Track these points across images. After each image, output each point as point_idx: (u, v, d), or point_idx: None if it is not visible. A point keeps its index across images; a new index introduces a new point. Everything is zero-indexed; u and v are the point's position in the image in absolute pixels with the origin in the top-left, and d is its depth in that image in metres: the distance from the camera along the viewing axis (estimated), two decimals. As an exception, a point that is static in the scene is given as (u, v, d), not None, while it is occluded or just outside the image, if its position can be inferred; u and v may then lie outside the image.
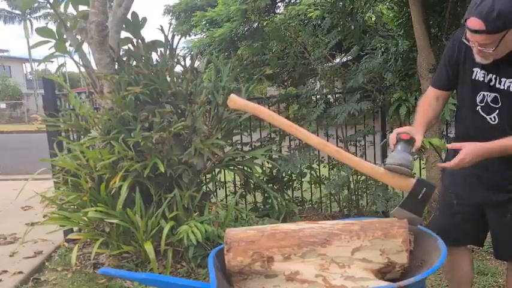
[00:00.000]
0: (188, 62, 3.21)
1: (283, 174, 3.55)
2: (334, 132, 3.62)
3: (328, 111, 3.30)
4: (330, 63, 3.68)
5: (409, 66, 3.45)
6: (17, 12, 29.73)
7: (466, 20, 1.43)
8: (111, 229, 2.80)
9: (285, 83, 4.62)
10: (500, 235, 1.70)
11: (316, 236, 1.47)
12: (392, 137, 1.56)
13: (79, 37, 3.19)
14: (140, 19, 3.27)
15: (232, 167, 3.26)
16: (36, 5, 3.55)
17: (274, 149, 3.49)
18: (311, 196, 3.91)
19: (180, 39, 4.49)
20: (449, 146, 1.64)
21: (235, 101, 1.64)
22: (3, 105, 24.79)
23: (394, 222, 1.50)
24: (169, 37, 3.22)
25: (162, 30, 3.21)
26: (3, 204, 4.55)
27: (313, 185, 3.87)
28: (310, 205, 3.92)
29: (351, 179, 3.46)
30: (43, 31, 3.19)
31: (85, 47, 3.22)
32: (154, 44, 3.25)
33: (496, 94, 1.56)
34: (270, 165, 3.45)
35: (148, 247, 2.65)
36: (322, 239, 1.47)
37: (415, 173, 3.50)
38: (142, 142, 2.74)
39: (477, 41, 1.45)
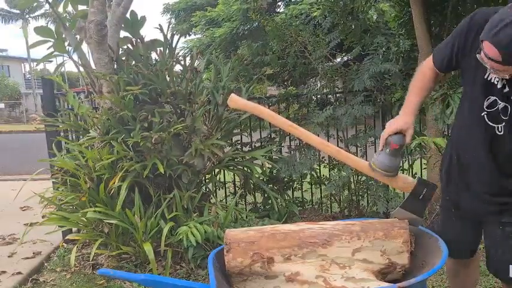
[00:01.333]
0: (188, 61, 3.20)
1: (283, 175, 3.54)
2: (334, 132, 3.60)
3: (332, 114, 3.28)
4: (331, 63, 3.67)
5: (410, 66, 3.44)
6: (16, 11, 29.71)
7: (482, 41, 1.29)
8: (110, 230, 2.79)
9: (286, 83, 4.61)
10: (491, 250, 1.56)
11: (317, 237, 1.47)
12: (382, 138, 1.51)
13: (78, 36, 3.18)
14: (139, 18, 3.26)
15: (232, 168, 3.25)
16: (35, 4, 3.53)
17: (274, 150, 3.48)
18: (311, 197, 3.90)
19: (179, 38, 4.48)
20: None
21: (236, 100, 1.63)
22: (1, 105, 24.78)
23: (394, 223, 1.49)
24: (169, 36, 3.21)
25: (161, 29, 3.20)
26: (2, 205, 4.54)
27: (313, 186, 3.86)
28: (311, 206, 3.91)
29: (351, 180, 3.45)
30: (42, 30, 3.18)
31: (84, 47, 3.21)
32: (154, 44, 3.24)
33: (506, 104, 1.40)
34: (270, 166, 3.43)
35: (148, 248, 2.64)
36: (322, 239, 1.46)
37: (416, 173, 3.52)
38: (141, 142, 2.73)
39: (491, 66, 1.32)
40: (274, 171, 3.52)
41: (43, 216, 3.12)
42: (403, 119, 1.52)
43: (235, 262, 1.44)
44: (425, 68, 1.62)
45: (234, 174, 3.58)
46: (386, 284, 1.38)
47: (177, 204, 2.80)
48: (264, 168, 3.28)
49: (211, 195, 3.28)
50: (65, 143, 3.29)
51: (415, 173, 3.54)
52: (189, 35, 9.00)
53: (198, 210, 2.95)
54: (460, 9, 3.49)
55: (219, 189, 3.74)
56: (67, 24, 3.21)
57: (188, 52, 6.85)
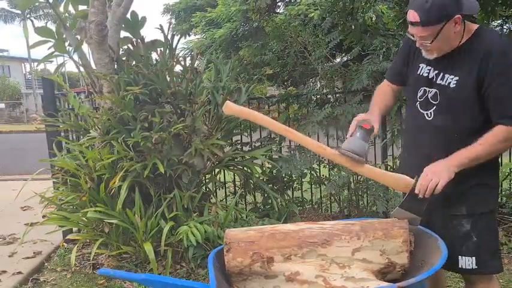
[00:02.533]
0: (188, 62, 3.20)
1: (283, 175, 3.54)
2: (334, 132, 3.61)
3: (331, 112, 3.28)
4: (331, 63, 3.67)
5: (410, 66, 3.43)
6: (17, 11, 29.72)
7: (407, 13, 1.44)
8: (111, 229, 2.80)
9: (285, 83, 4.61)
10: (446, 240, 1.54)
11: (317, 237, 1.47)
12: (352, 125, 1.58)
13: (78, 37, 3.18)
14: (140, 18, 3.27)
15: (232, 167, 3.25)
16: (36, 4, 3.53)
17: (274, 149, 3.48)
18: (311, 196, 3.90)
19: (179, 38, 4.48)
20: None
21: (231, 107, 1.64)
22: (2, 105, 24.78)
23: (394, 223, 1.49)
24: (169, 36, 3.21)
25: (161, 29, 3.20)
26: (2, 205, 4.54)
27: (313, 185, 3.86)
28: (311, 205, 3.91)
29: (351, 179, 3.45)
30: (42, 31, 3.18)
31: (84, 47, 3.22)
32: (154, 44, 3.24)
33: (436, 90, 1.54)
34: (270, 166, 3.44)
35: (148, 247, 2.65)
36: (322, 239, 1.46)
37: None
38: (141, 142, 2.73)
39: (415, 33, 1.45)
40: (274, 171, 3.52)
41: (43, 216, 3.13)
42: (369, 114, 1.65)
43: (235, 262, 1.45)
44: (382, 84, 1.81)
45: (234, 174, 3.58)
46: (386, 284, 1.39)
47: (177, 204, 2.80)
48: (264, 168, 3.28)
49: (211, 195, 3.29)
50: (66, 143, 3.30)
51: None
52: (189, 36, 9.00)
53: (198, 210, 2.96)
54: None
55: (219, 189, 3.74)
56: (67, 25, 3.22)
57: (188, 53, 6.86)
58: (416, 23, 1.40)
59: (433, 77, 1.55)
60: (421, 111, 1.58)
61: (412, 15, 1.41)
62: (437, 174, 1.43)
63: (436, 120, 1.54)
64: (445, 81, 1.51)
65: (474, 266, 1.53)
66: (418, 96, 1.59)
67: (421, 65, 1.59)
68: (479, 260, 1.51)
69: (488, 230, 1.58)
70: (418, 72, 1.60)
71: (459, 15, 1.40)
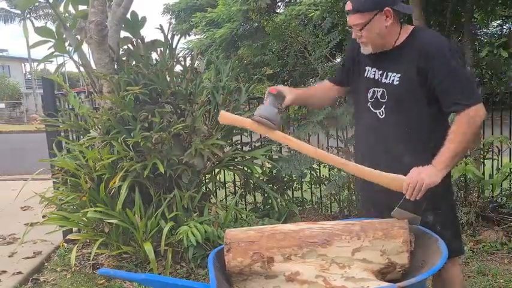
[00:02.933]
0: (188, 62, 3.20)
1: (284, 175, 3.54)
2: (334, 132, 3.61)
3: (331, 112, 3.28)
4: (331, 63, 3.68)
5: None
6: (16, 11, 29.72)
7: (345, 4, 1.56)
8: (111, 229, 2.79)
9: (285, 83, 4.61)
10: None
11: (317, 237, 1.47)
12: (265, 94, 1.66)
13: (78, 37, 3.18)
14: (140, 18, 3.27)
15: (232, 167, 3.25)
16: (36, 4, 3.53)
17: (274, 149, 3.48)
18: (311, 196, 3.90)
19: (179, 38, 4.48)
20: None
21: (225, 116, 1.65)
22: (2, 105, 24.78)
23: (394, 223, 1.49)
24: (169, 36, 3.21)
25: (161, 29, 3.20)
26: (2, 205, 4.54)
27: (313, 186, 3.86)
28: (311, 205, 3.91)
29: (351, 179, 3.45)
30: (42, 31, 3.18)
31: (84, 47, 3.22)
32: (154, 44, 3.24)
33: (383, 89, 1.61)
34: (270, 166, 3.44)
35: (148, 247, 2.65)
36: (322, 239, 1.46)
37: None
38: (141, 142, 2.73)
39: (350, 23, 1.56)
40: (274, 171, 3.52)
41: (43, 216, 3.13)
42: (287, 88, 1.71)
43: (235, 262, 1.45)
44: (324, 82, 1.93)
45: (234, 174, 3.58)
46: (386, 284, 1.39)
47: (177, 204, 2.80)
48: (264, 168, 3.28)
49: (211, 195, 3.29)
50: (66, 143, 3.30)
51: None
52: (189, 36, 9.01)
53: (198, 210, 2.96)
54: (460, 9, 3.49)
55: (219, 189, 3.74)
56: (67, 25, 3.22)
57: (188, 53, 6.86)
58: (350, 10, 1.53)
59: (378, 78, 1.63)
60: (374, 111, 1.65)
61: (348, 5, 1.54)
62: (422, 176, 1.46)
63: (388, 118, 1.61)
64: (389, 79, 1.59)
65: None
66: (369, 98, 1.66)
67: (367, 68, 1.68)
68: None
69: (449, 219, 1.68)
70: (365, 75, 1.68)
71: (389, 9, 1.50)
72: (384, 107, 1.62)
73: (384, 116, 1.62)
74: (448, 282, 1.73)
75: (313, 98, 1.86)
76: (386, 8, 1.50)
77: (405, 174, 1.49)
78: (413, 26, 1.61)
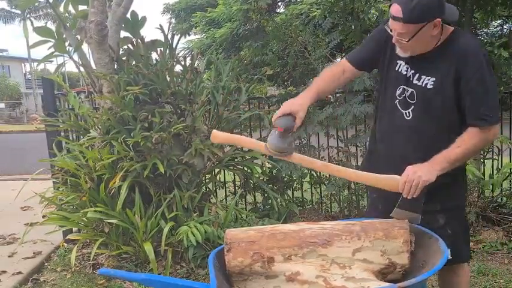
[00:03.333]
0: (188, 61, 3.20)
1: (284, 175, 3.54)
2: (334, 132, 3.61)
3: (332, 113, 3.28)
4: (331, 63, 3.67)
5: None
6: (16, 11, 29.72)
7: (390, 7, 1.45)
8: (111, 229, 2.79)
9: (286, 83, 4.61)
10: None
11: (317, 237, 1.47)
12: (273, 119, 1.53)
13: (78, 37, 3.18)
14: (140, 18, 3.26)
15: (232, 167, 3.25)
16: (36, 4, 3.54)
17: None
18: (311, 196, 3.90)
19: (179, 38, 4.47)
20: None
21: (217, 135, 1.62)
22: (2, 105, 24.78)
23: (395, 223, 1.49)
24: (169, 36, 3.21)
25: (161, 29, 3.20)
26: (2, 205, 4.54)
27: (313, 186, 3.86)
28: (311, 205, 3.91)
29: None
30: (42, 31, 3.18)
31: (84, 47, 3.21)
32: (154, 44, 3.24)
33: (413, 90, 1.55)
34: (270, 166, 3.43)
35: (148, 247, 2.64)
36: (322, 239, 1.46)
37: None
38: (141, 142, 2.73)
39: (395, 28, 1.45)
40: (274, 171, 3.52)
41: (43, 216, 3.13)
42: (298, 101, 1.55)
43: (235, 262, 1.44)
44: (341, 63, 1.73)
45: (234, 174, 3.58)
46: (387, 284, 1.38)
47: (177, 204, 2.80)
48: (264, 168, 3.28)
49: (211, 195, 3.28)
50: (66, 143, 3.30)
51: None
52: (189, 35, 9.01)
53: (198, 210, 2.95)
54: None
55: (219, 189, 3.74)
56: (67, 25, 3.22)
57: (189, 53, 6.86)
58: (399, 18, 1.41)
59: (410, 76, 1.55)
60: (401, 110, 1.58)
61: (396, 9, 1.41)
62: (418, 174, 1.43)
63: (414, 121, 1.56)
64: (422, 82, 1.53)
65: (450, 257, 1.52)
66: (397, 94, 1.59)
67: (399, 62, 1.59)
68: (455, 251, 1.52)
69: (460, 223, 1.67)
70: (397, 69, 1.59)
71: (439, 19, 1.43)
72: (411, 108, 1.55)
73: (410, 117, 1.56)
74: (457, 286, 1.75)
75: (331, 90, 1.76)
76: (438, 20, 1.42)
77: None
78: (453, 28, 1.53)
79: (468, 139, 1.47)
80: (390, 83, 1.62)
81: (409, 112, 1.56)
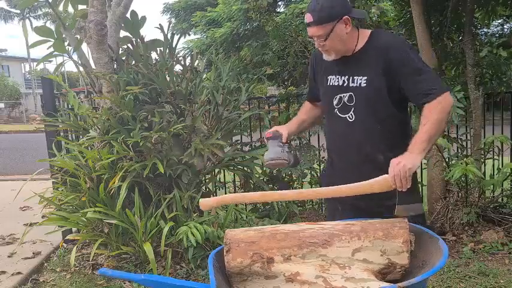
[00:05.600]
0: (188, 61, 3.19)
1: (284, 175, 3.53)
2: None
3: None
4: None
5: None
6: (16, 11, 29.71)
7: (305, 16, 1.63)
8: (110, 230, 2.79)
9: (286, 83, 4.60)
10: None
11: (317, 237, 1.46)
12: (265, 139, 1.72)
13: (78, 36, 3.18)
14: (139, 18, 3.26)
15: (232, 167, 3.25)
16: (35, 4, 3.53)
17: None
18: (311, 196, 3.89)
19: (179, 38, 4.47)
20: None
21: (206, 203, 1.60)
22: (1, 105, 24.76)
23: (394, 223, 1.49)
24: (169, 36, 3.21)
25: (161, 29, 3.20)
26: (2, 205, 4.54)
27: (313, 186, 3.85)
28: (311, 206, 3.91)
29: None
30: (42, 30, 3.18)
31: (84, 46, 3.21)
32: (154, 43, 3.24)
33: (350, 93, 1.67)
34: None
35: (148, 248, 2.64)
36: (322, 239, 1.46)
37: (416, 173, 3.50)
38: (141, 142, 2.73)
39: (313, 34, 1.61)
40: (274, 171, 3.52)
41: (43, 216, 3.12)
42: (282, 126, 1.80)
43: (235, 262, 1.44)
44: (306, 104, 1.97)
45: (234, 174, 3.58)
46: (387, 284, 1.38)
47: (177, 204, 2.80)
48: (264, 168, 3.28)
49: (211, 195, 3.28)
50: (65, 142, 3.29)
51: (415, 173, 3.53)
52: (189, 35, 9.00)
53: (198, 210, 2.95)
54: (460, 9, 3.49)
55: (219, 189, 3.73)
56: (67, 24, 3.21)
57: (189, 52, 6.85)
58: (312, 22, 1.59)
59: (344, 83, 1.68)
60: (342, 116, 1.70)
61: (308, 17, 1.60)
62: (402, 164, 1.47)
63: (358, 119, 1.67)
64: (357, 83, 1.65)
65: None
66: (334, 104, 1.71)
67: (329, 77, 1.73)
68: None
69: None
70: (329, 84, 1.74)
71: (347, 17, 1.59)
72: (352, 110, 1.67)
73: (353, 119, 1.68)
74: None
75: (305, 123, 1.94)
76: (345, 17, 1.58)
77: (379, 173, 1.50)
78: (370, 30, 1.69)
79: (429, 114, 1.54)
80: (326, 99, 1.75)
81: (351, 115, 1.68)
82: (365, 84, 1.63)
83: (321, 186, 1.84)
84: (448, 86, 2.93)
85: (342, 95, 1.69)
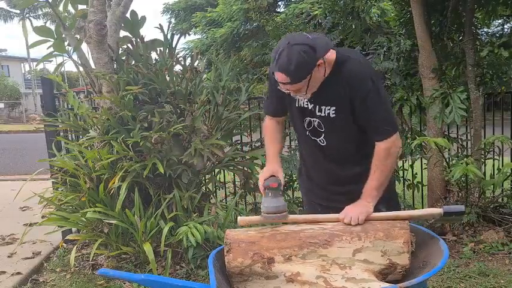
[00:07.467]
0: (188, 61, 3.19)
1: (284, 175, 3.52)
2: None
3: None
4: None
5: (411, 66, 3.44)
6: (15, 11, 29.69)
7: (273, 73, 1.51)
8: (110, 230, 2.79)
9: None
10: None
11: (317, 237, 1.46)
12: (260, 186, 1.62)
13: (78, 36, 3.17)
14: (139, 18, 3.25)
15: (232, 167, 3.24)
16: (35, 3, 3.52)
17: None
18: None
19: (179, 38, 4.47)
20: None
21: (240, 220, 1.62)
22: (1, 105, 24.74)
23: (395, 224, 1.49)
24: (169, 36, 3.20)
25: (161, 29, 3.19)
26: (1, 205, 4.53)
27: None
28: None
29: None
30: (41, 30, 3.17)
31: (84, 46, 3.20)
32: (154, 43, 3.23)
33: (319, 120, 1.66)
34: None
35: (148, 248, 2.63)
36: (323, 240, 1.45)
37: (416, 174, 3.50)
38: (141, 142, 2.72)
39: (289, 89, 1.54)
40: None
41: (43, 217, 3.12)
42: (270, 167, 1.72)
43: (235, 262, 1.44)
44: (266, 121, 1.88)
45: (234, 174, 3.57)
46: (387, 285, 1.38)
47: (177, 204, 2.79)
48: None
49: (211, 195, 3.27)
50: (65, 142, 3.29)
51: (415, 173, 3.53)
52: (189, 35, 9.01)
53: (198, 210, 2.94)
54: (460, 9, 3.48)
55: (219, 189, 3.73)
56: (67, 24, 3.21)
57: (189, 53, 6.85)
58: (287, 82, 1.49)
59: (311, 108, 1.66)
60: (313, 138, 1.71)
61: (281, 77, 1.48)
62: (356, 214, 1.51)
63: (329, 145, 1.69)
64: (324, 113, 1.64)
65: None
66: (305, 126, 1.71)
67: (298, 98, 1.68)
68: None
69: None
70: (299, 105, 1.69)
71: (321, 60, 1.50)
72: (323, 135, 1.68)
73: (325, 143, 1.69)
74: None
75: (280, 145, 1.89)
76: (320, 61, 1.49)
77: (349, 191, 1.62)
78: (335, 53, 1.59)
79: (377, 160, 1.59)
80: (297, 117, 1.73)
81: (322, 139, 1.69)
82: (334, 115, 1.62)
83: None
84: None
85: (311, 119, 1.68)
